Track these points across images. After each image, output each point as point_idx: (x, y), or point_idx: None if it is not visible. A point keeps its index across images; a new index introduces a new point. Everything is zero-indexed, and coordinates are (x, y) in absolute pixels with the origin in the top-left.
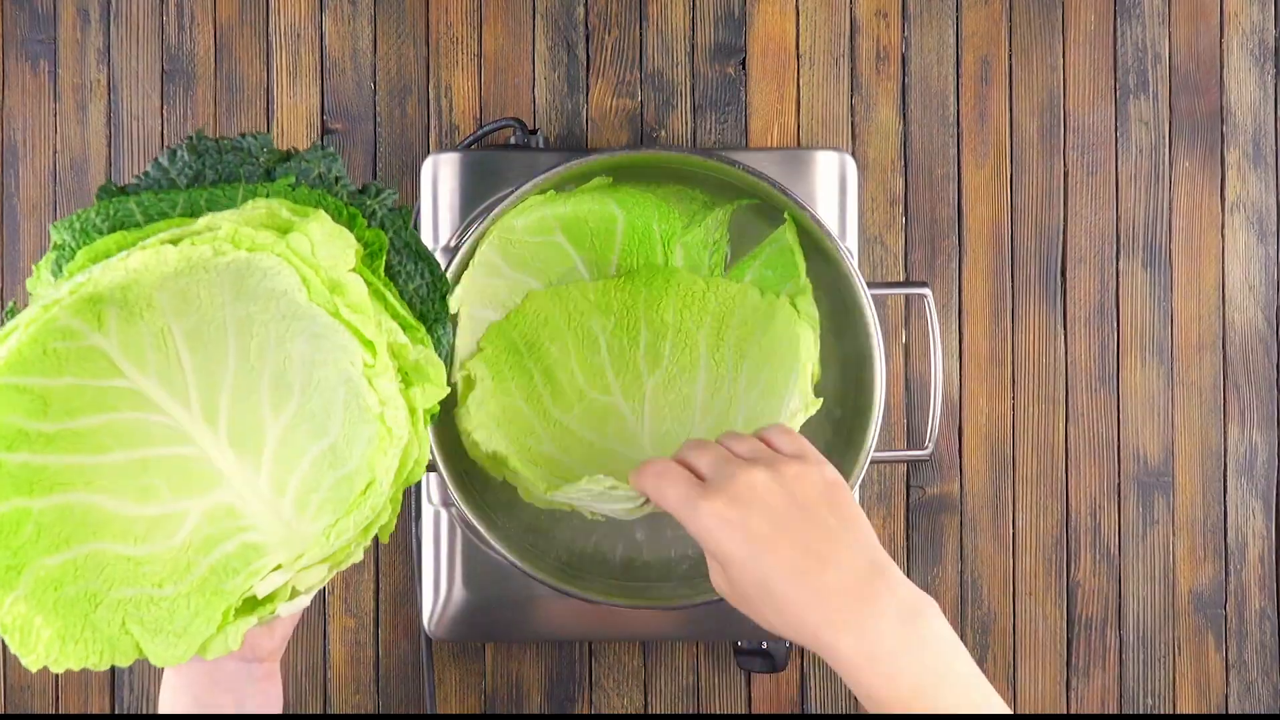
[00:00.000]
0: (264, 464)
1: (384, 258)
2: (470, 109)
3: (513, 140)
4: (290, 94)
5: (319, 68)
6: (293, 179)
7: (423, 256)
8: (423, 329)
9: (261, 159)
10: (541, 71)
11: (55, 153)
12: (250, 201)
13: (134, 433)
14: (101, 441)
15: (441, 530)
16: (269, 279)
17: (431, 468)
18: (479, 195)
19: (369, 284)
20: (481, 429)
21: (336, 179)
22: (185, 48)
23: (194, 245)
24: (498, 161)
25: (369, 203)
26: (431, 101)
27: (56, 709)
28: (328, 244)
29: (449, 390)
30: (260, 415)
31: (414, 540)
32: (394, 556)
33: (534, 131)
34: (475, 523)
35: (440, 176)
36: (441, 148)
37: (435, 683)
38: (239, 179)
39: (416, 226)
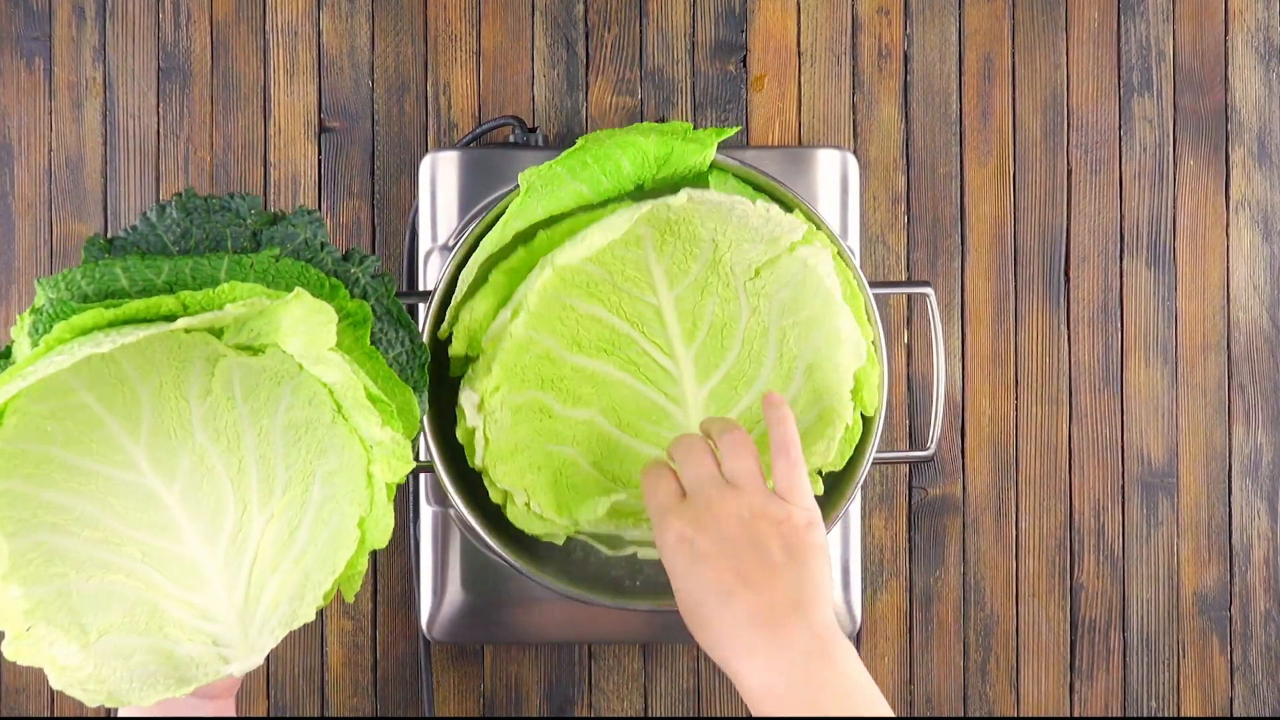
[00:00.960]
0: (243, 575)
1: (368, 328)
2: (469, 107)
3: (512, 138)
4: (287, 92)
5: (316, 65)
6: (276, 251)
7: (404, 324)
8: (393, 406)
9: (249, 221)
10: (541, 69)
11: (50, 151)
12: (230, 302)
13: (121, 509)
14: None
15: (440, 532)
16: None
17: (429, 469)
18: (478, 194)
19: (348, 362)
20: (501, 466)
21: (321, 245)
22: (181, 45)
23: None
24: (497, 160)
25: (353, 270)
26: (430, 99)
27: (51, 712)
28: (306, 322)
29: (413, 466)
30: (250, 515)
31: (412, 542)
32: (392, 558)
33: (533, 129)
34: (474, 523)
35: (439, 175)
36: (440, 146)
37: (434, 686)
38: (225, 241)
39: (415, 226)
